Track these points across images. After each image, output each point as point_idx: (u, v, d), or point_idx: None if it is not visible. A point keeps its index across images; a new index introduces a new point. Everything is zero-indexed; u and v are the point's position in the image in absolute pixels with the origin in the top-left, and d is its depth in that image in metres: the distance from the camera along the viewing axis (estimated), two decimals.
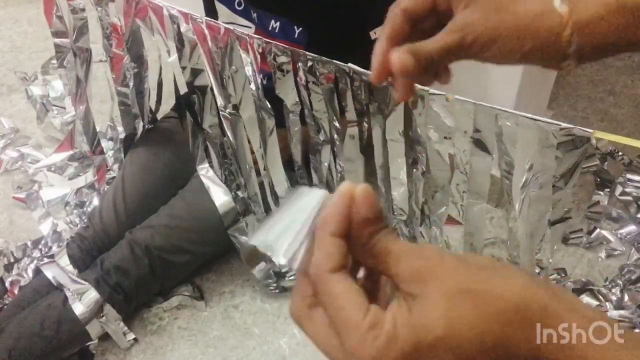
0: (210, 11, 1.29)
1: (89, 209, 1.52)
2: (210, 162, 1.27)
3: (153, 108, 1.47)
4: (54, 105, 1.82)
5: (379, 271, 0.33)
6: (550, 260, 0.96)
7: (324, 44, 1.04)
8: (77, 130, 1.58)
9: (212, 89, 1.11)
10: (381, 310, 0.30)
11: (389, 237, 0.33)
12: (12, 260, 1.42)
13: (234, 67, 1.05)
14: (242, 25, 1.22)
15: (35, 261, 1.40)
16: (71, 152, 1.65)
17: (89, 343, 1.23)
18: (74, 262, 1.26)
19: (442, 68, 0.46)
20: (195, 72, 1.11)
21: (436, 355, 0.29)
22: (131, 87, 1.33)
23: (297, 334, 1.29)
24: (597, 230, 1.46)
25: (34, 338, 1.14)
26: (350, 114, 0.99)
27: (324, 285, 0.31)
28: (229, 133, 1.15)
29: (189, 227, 1.29)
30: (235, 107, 1.11)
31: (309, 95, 1.01)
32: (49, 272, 1.22)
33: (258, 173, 1.20)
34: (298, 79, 1.00)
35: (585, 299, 1.31)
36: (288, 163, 1.17)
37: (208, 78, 1.10)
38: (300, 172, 1.18)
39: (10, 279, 1.37)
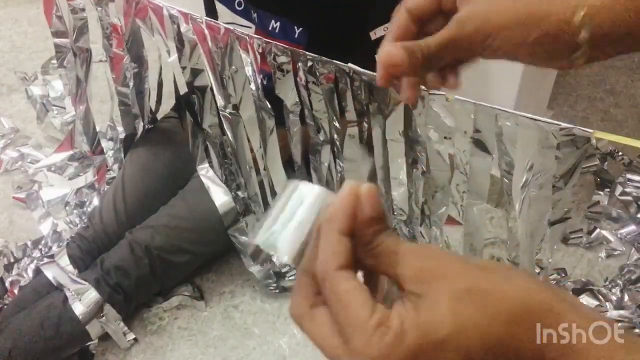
0: (211, 11, 1.29)
1: (89, 209, 1.52)
2: (210, 162, 1.27)
3: (153, 108, 1.47)
4: (54, 105, 1.82)
5: (381, 271, 0.33)
6: (550, 260, 0.96)
7: (324, 44, 1.04)
8: (77, 130, 1.58)
9: (212, 89, 1.11)
10: (387, 309, 0.30)
11: (392, 237, 0.33)
12: (12, 260, 1.42)
13: (234, 67, 1.05)
14: (242, 25, 1.22)
15: (35, 261, 1.40)
16: (71, 152, 1.65)
17: (89, 343, 1.23)
18: (74, 262, 1.26)
19: (449, 71, 0.45)
20: (195, 72, 1.11)
21: (442, 354, 0.29)
22: (131, 87, 1.33)
23: (297, 334, 1.29)
24: (597, 230, 1.46)
25: (34, 338, 1.14)
26: (350, 114, 0.99)
27: (330, 283, 0.31)
28: (228, 133, 1.15)
29: (189, 227, 1.29)
30: (235, 107, 1.11)
31: (309, 95, 1.01)
32: (49, 272, 1.22)
33: (258, 173, 1.20)
34: (298, 79, 1.00)
35: (585, 299, 1.31)
36: (288, 163, 1.17)
37: (208, 78, 1.10)
38: (300, 172, 1.18)
39: (10, 279, 1.37)
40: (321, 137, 1.07)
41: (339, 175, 1.11)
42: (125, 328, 1.26)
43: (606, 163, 1.54)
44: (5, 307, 1.25)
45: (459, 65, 0.46)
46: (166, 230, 1.27)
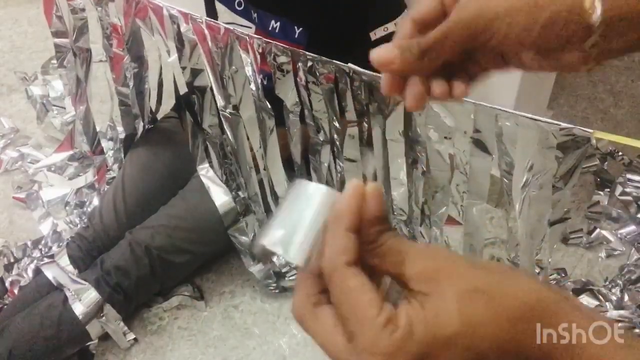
0: (210, 11, 1.29)
1: (89, 209, 1.52)
2: (210, 162, 1.27)
3: (153, 108, 1.47)
4: (54, 105, 1.82)
5: (384, 270, 0.33)
6: (550, 260, 0.96)
7: (324, 44, 1.04)
8: (77, 130, 1.58)
9: (212, 89, 1.11)
10: (394, 307, 0.30)
11: (396, 237, 0.33)
12: (12, 260, 1.42)
13: (234, 67, 1.05)
14: (242, 25, 1.22)
15: (35, 261, 1.40)
16: (71, 152, 1.65)
17: (89, 343, 1.23)
18: (74, 262, 1.25)
19: (456, 79, 0.42)
20: (195, 72, 1.11)
21: (450, 351, 0.29)
22: (131, 87, 1.33)
23: (297, 334, 1.29)
24: (597, 230, 1.46)
25: (34, 338, 1.14)
26: (350, 114, 0.99)
27: (339, 279, 0.31)
28: (228, 133, 1.15)
29: (189, 227, 1.29)
30: (235, 107, 1.11)
31: (308, 95, 1.01)
32: (49, 272, 1.22)
33: (258, 173, 1.20)
34: (298, 79, 1.00)
35: (585, 299, 1.31)
36: (288, 163, 1.17)
37: (208, 78, 1.10)
38: (300, 172, 1.18)
39: (10, 279, 1.37)
40: (321, 137, 1.07)
41: (339, 175, 1.11)
42: (125, 328, 1.26)
43: (606, 163, 1.54)
44: (5, 307, 1.25)
45: (466, 70, 0.43)
46: (166, 230, 1.27)
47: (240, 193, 1.26)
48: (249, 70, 1.05)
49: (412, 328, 0.29)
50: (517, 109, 0.82)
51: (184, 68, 1.11)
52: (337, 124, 1.03)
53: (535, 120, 0.79)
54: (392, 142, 0.98)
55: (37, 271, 1.29)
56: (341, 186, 1.12)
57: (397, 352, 0.29)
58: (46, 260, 1.30)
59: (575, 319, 0.30)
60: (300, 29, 1.18)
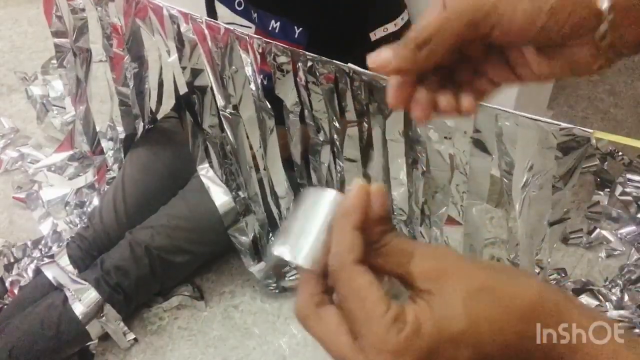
0: (210, 11, 1.29)
1: (89, 209, 1.52)
2: (210, 162, 1.27)
3: (153, 108, 1.47)
4: (54, 105, 1.82)
5: (387, 270, 0.33)
6: (549, 260, 0.96)
7: (324, 44, 1.04)
8: (77, 130, 1.58)
9: (212, 89, 1.11)
10: (401, 305, 0.31)
11: (399, 236, 0.33)
12: (12, 260, 1.42)
13: (234, 67, 1.05)
14: (242, 26, 1.22)
15: (35, 261, 1.40)
16: (71, 152, 1.65)
17: (89, 343, 1.23)
18: (74, 262, 1.26)
19: (464, 90, 0.40)
20: (195, 72, 1.11)
21: (457, 349, 0.29)
22: (131, 87, 1.33)
23: (297, 334, 1.29)
24: (597, 230, 1.46)
25: (34, 338, 1.14)
26: (350, 114, 0.99)
27: (347, 277, 0.31)
28: (229, 133, 1.15)
29: (189, 227, 1.29)
30: (235, 107, 1.11)
31: (308, 95, 1.01)
32: (49, 272, 1.22)
33: (258, 173, 1.20)
34: (298, 79, 1.00)
35: (585, 299, 1.31)
36: (288, 163, 1.17)
37: (208, 78, 1.10)
38: (300, 172, 1.18)
39: (10, 279, 1.37)
40: (321, 137, 1.07)
41: (339, 175, 1.11)
42: (125, 328, 1.26)
43: (606, 163, 1.54)
44: (5, 307, 1.25)
45: (473, 85, 0.40)
46: (166, 230, 1.27)
47: (240, 193, 1.26)
48: (249, 70, 1.05)
49: (420, 326, 0.29)
50: (517, 109, 0.82)
51: (184, 68, 1.11)
52: (337, 124, 1.03)
53: (535, 120, 0.79)
54: (392, 142, 0.98)
55: (37, 271, 1.29)
56: (341, 186, 1.12)
57: (404, 349, 0.29)
58: (46, 260, 1.30)
59: (575, 319, 0.30)
60: (300, 29, 1.18)
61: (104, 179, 1.57)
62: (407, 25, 1.20)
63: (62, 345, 1.17)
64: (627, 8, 0.33)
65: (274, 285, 1.35)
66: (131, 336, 1.28)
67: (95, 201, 1.53)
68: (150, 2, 1.09)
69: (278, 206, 1.24)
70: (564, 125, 0.77)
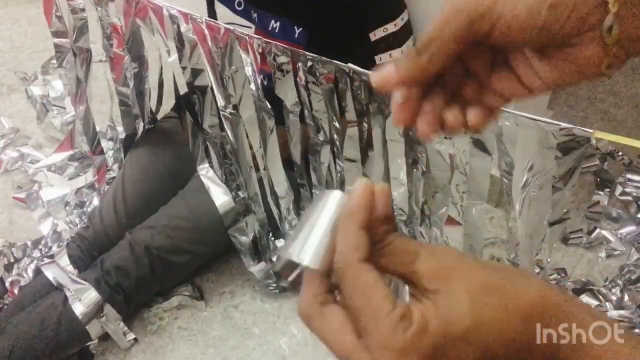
0: (210, 11, 1.29)
1: (89, 209, 1.52)
2: (210, 162, 1.27)
3: (153, 108, 1.47)
4: (54, 105, 1.82)
5: (390, 269, 0.33)
6: (549, 260, 0.96)
7: (324, 44, 1.04)
8: (77, 130, 1.58)
9: (212, 89, 1.11)
10: (406, 304, 0.31)
11: (403, 236, 0.33)
12: (12, 260, 1.42)
13: (234, 67, 1.05)
14: (242, 26, 1.22)
15: (35, 261, 1.40)
16: (71, 152, 1.65)
17: (89, 343, 1.23)
18: (74, 262, 1.26)
19: (471, 105, 0.38)
20: (196, 72, 1.11)
21: (463, 347, 0.29)
22: (131, 87, 1.34)
23: (297, 334, 1.29)
24: (597, 230, 1.46)
25: (34, 338, 1.14)
26: (350, 114, 0.99)
27: (353, 275, 0.31)
28: (229, 133, 1.15)
29: (189, 227, 1.29)
30: (235, 107, 1.11)
31: (308, 95, 1.01)
32: (49, 272, 1.22)
33: (258, 172, 1.20)
34: (298, 79, 1.00)
35: (585, 299, 1.31)
36: (288, 163, 1.17)
37: (208, 78, 1.10)
38: (299, 172, 1.18)
39: (10, 279, 1.37)
40: (321, 137, 1.07)
41: (339, 175, 1.11)
42: (125, 328, 1.26)
43: (606, 163, 1.55)
44: (5, 307, 1.25)
45: (481, 100, 0.39)
46: (166, 230, 1.27)
47: (240, 193, 1.26)
48: (249, 70, 1.05)
49: (427, 324, 0.29)
50: (517, 109, 0.82)
51: (184, 68, 1.11)
52: (337, 124, 1.03)
53: (535, 120, 0.79)
54: (392, 142, 0.98)
55: (37, 271, 1.29)
56: (341, 186, 1.12)
57: (410, 347, 0.29)
58: (46, 260, 1.30)
59: (575, 319, 0.30)
60: (300, 29, 1.18)
61: (104, 179, 1.57)
62: (407, 26, 1.20)
63: (62, 345, 1.17)
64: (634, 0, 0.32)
65: (274, 285, 1.35)
66: (131, 336, 1.28)
67: (95, 201, 1.53)
68: (150, 2, 1.09)
69: (278, 206, 1.24)
70: (564, 125, 0.77)
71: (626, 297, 1.30)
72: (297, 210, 1.25)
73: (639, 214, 1.47)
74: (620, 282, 1.34)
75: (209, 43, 1.05)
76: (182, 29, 1.06)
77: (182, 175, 1.38)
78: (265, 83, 1.13)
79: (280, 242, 1.34)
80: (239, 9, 1.23)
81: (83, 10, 1.28)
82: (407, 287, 0.33)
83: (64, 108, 1.80)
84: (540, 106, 1.70)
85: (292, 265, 0.33)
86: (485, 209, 0.96)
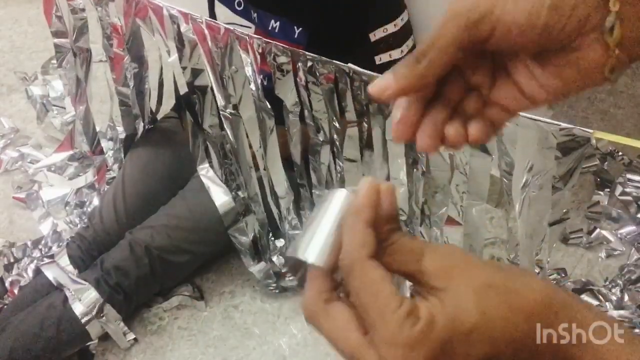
0: (211, 11, 1.29)
1: (89, 209, 1.52)
2: (210, 162, 1.27)
3: (153, 108, 1.47)
4: (54, 105, 1.82)
5: (395, 268, 0.33)
6: (549, 260, 0.96)
7: (324, 44, 1.04)
8: (77, 130, 1.58)
9: (212, 89, 1.11)
10: (413, 301, 0.31)
11: (407, 235, 0.33)
12: (12, 260, 1.42)
13: (234, 67, 1.05)
14: (242, 25, 1.22)
15: (35, 261, 1.40)
16: (71, 152, 1.65)
17: (89, 343, 1.24)
18: (74, 262, 1.26)
19: (473, 118, 0.38)
20: (196, 72, 1.11)
21: (469, 344, 0.30)
22: (131, 87, 1.34)
23: (297, 334, 1.29)
24: (597, 230, 1.46)
25: (34, 338, 1.14)
26: (350, 114, 0.99)
27: (359, 272, 0.31)
28: (229, 133, 1.15)
29: (189, 227, 1.29)
30: (235, 107, 1.11)
31: (308, 95, 1.01)
32: (49, 272, 1.22)
33: (258, 172, 1.20)
34: (298, 79, 1.00)
35: (585, 299, 1.31)
36: (288, 163, 1.17)
37: (208, 78, 1.10)
38: (299, 172, 1.18)
39: (10, 279, 1.37)
40: (321, 137, 1.07)
41: (339, 175, 1.11)
42: (125, 328, 1.26)
43: (606, 163, 1.54)
44: (5, 307, 1.25)
45: (483, 114, 0.38)
46: (166, 230, 1.27)
47: (240, 193, 1.26)
48: (249, 70, 1.05)
49: (433, 320, 0.29)
50: None
51: (184, 68, 1.11)
52: (337, 124, 1.03)
53: (535, 120, 0.79)
54: (392, 142, 0.98)
55: (37, 271, 1.29)
56: (341, 186, 1.12)
57: (417, 344, 0.29)
58: (46, 260, 1.30)
59: (576, 319, 0.30)
60: (300, 29, 1.18)
61: (104, 179, 1.57)
62: (406, 26, 1.20)
63: (62, 345, 1.17)
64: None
65: (274, 285, 1.35)
66: (131, 336, 1.28)
67: (95, 201, 1.53)
68: (150, 2, 1.09)
69: (278, 206, 1.24)
70: (564, 125, 0.77)
71: (626, 297, 1.30)
72: (297, 210, 1.25)
73: (639, 214, 1.47)
74: (620, 282, 1.34)
75: (209, 43, 1.05)
76: (182, 29, 1.06)
77: (182, 175, 1.38)
78: (265, 83, 1.13)
79: (280, 242, 1.34)
80: (238, 9, 1.23)
81: (83, 10, 1.28)
82: (407, 284, 0.33)
83: (64, 108, 1.80)
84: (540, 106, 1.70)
85: (298, 263, 0.33)
86: (485, 209, 0.96)
